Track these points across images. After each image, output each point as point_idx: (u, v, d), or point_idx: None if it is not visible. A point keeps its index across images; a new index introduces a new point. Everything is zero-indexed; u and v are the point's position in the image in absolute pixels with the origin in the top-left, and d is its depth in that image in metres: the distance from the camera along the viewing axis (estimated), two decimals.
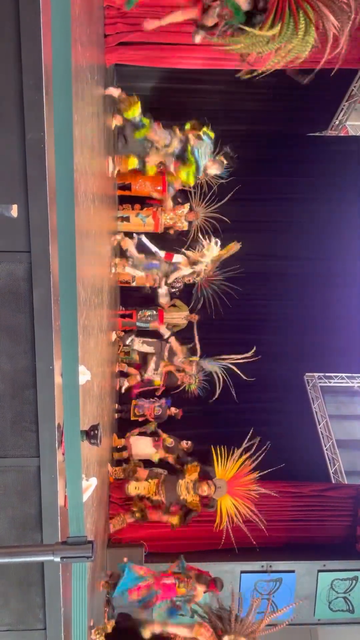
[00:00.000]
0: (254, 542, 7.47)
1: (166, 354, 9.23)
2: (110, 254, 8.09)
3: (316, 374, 11.87)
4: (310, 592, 8.98)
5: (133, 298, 10.35)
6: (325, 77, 7.11)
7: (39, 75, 2.64)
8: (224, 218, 9.99)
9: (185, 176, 7.96)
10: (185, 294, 10.00)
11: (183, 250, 9.49)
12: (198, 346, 9.34)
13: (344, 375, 11.90)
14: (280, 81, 8.48)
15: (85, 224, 4.75)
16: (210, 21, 5.22)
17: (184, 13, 5.83)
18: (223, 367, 9.19)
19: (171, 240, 9.89)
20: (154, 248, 9.03)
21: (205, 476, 7.52)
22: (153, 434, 8.91)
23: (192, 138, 7.78)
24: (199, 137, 7.83)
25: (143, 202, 9.84)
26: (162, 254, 9.11)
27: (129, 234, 9.03)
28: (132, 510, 7.79)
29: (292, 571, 8.91)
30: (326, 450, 11.01)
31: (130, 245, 8.82)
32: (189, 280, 9.66)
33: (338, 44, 4.95)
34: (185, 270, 9.21)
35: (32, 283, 2.86)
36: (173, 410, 9.32)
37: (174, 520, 7.56)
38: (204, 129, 7.94)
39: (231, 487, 7.45)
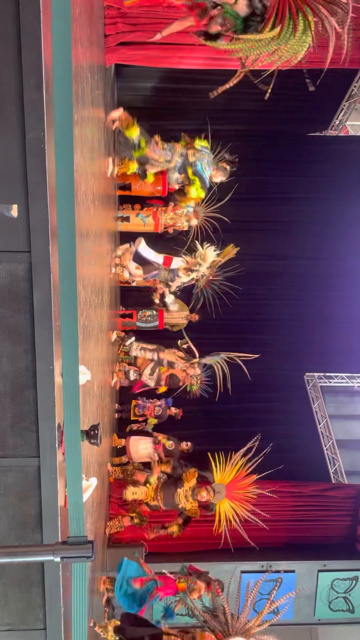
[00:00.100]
0: (252, 543, 7.47)
1: (166, 361, 9.20)
2: (111, 254, 8.09)
3: (316, 374, 11.87)
4: (310, 592, 8.99)
5: (133, 298, 10.36)
6: (326, 77, 7.12)
7: (39, 75, 2.64)
8: (224, 218, 9.99)
9: (195, 193, 8.12)
10: (186, 293, 10.00)
11: (182, 254, 9.46)
12: (194, 348, 9.32)
13: (344, 375, 11.90)
14: (281, 81, 8.47)
15: (85, 224, 4.75)
16: (213, 28, 5.22)
17: (181, 23, 5.84)
18: (223, 359, 9.17)
19: (171, 240, 9.90)
20: (152, 257, 9.03)
21: (204, 481, 7.53)
22: (152, 435, 8.89)
23: (191, 154, 7.86)
24: (197, 150, 7.91)
25: (143, 202, 9.84)
26: (160, 260, 9.09)
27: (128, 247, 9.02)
28: (130, 516, 7.79)
29: (292, 571, 8.91)
30: (326, 450, 11.01)
31: (129, 265, 8.86)
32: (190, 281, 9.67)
33: (340, 44, 4.95)
34: (185, 278, 9.20)
35: (32, 283, 2.86)
36: (173, 410, 9.32)
37: (174, 528, 7.58)
38: (197, 141, 8.01)
39: (230, 491, 7.46)
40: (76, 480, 2.16)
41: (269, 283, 11.19)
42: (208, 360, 9.21)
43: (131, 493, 7.57)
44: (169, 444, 8.56)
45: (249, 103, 10.01)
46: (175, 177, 7.99)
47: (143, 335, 10.04)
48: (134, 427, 9.00)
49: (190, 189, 8.08)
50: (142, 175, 7.96)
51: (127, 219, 9.29)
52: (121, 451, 8.89)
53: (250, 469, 7.32)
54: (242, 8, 4.99)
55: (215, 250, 9.22)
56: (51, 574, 3.25)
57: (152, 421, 8.98)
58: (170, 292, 9.31)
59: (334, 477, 10.72)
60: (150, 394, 9.55)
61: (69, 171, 1.98)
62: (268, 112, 10.37)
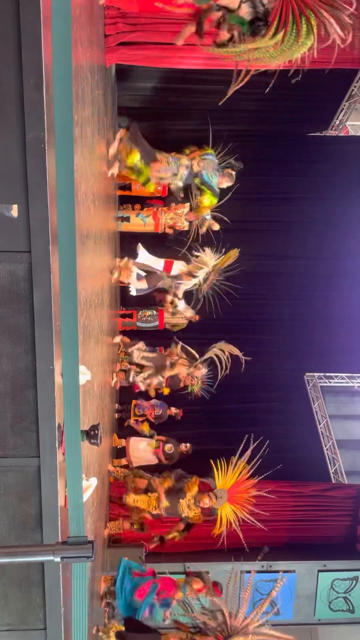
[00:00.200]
0: (245, 545, 7.49)
1: (168, 363, 9.17)
2: (112, 258, 8.09)
3: (316, 374, 11.87)
4: (310, 592, 8.99)
5: (133, 298, 10.36)
6: (326, 77, 7.12)
7: (39, 75, 2.64)
8: (224, 218, 9.99)
9: (208, 201, 8.18)
10: (186, 293, 10.00)
11: (181, 259, 9.44)
12: (193, 351, 9.29)
13: (344, 375, 11.90)
14: (281, 81, 8.48)
15: (85, 224, 4.75)
16: (222, 36, 5.23)
17: (190, 29, 5.80)
18: (220, 349, 9.15)
19: (172, 241, 9.90)
20: (153, 264, 9.02)
21: (206, 488, 7.55)
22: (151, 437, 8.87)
23: (196, 164, 7.89)
24: (202, 159, 7.95)
25: (143, 202, 9.84)
26: (161, 265, 9.07)
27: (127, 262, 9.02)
28: (130, 522, 7.80)
29: (293, 571, 8.91)
30: (326, 450, 11.01)
31: (133, 281, 8.88)
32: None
33: (345, 45, 4.96)
34: (188, 284, 9.18)
35: (32, 283, 2.86)
36: (173, 410, 9.31)
37: (175, 534, 7.59)
38: (201, 150, 8.04)
39: (231, 495, 7.48)
40: (76, 480, 2.16)
41: (269, 283, 11.19)
42: (208, 353, 9.17)
43: (132, 500, 7.58)
44: (168, 447, 8.55)
45: (249, 103, 10.01)
46: (179, 188, 8.05)
47: (143, 336, 10.04)
48: (131, 422, 8.96)
49: (202, 199, 8.16)
50: (144, 182, 8.03)
51: (127, 219, 9.29)
52: (121, 452, 8.89)
53: (251, 472, 7.33)
54: (245, 12, 5.00)
55: (216, 254, 9.19)
56: (51, 574, 3.25)
57: (146, 429, 8.90)
58: (180, 299, 9.30)
59: (334, 477, 10.72)
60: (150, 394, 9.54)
61: (69, 171, 1.99)
62: (268, 112, 10.37)
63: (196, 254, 9.18)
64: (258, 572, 8.63)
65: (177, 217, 9.55)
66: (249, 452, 7.26)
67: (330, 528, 9.46)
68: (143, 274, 9.07)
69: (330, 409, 11.63)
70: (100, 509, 6.84)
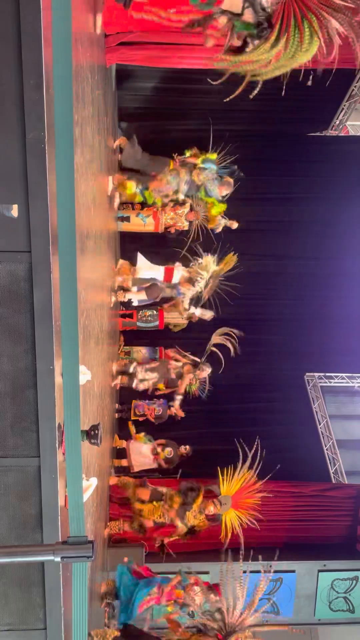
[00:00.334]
0: (241, 546, 7.51)
1: (173, 374, 9.16)
2: (111, 257, 8.09)
3: (316, 374, 11.87)
4: (310, 592, 8.99)
5: None
6: (326, 77, 7.11)
7: (39, 75, 2.64)
8: (224, 217, 9.99)
9: (217, 210, 8.28)
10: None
11: (180, 260, 9.43)
12: (193, 356, 9.27)
13: (344, 375, 11.90)
14: (281, 81, 8.48)
15: (85, 224, 4.75)
16: (236, 42, 5.23)
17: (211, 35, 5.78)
18: (222, 333, 9.14)
19: (171, 241, 9.89)
20: (152, 274, 9.02)
21: (210, 495, 7.58)
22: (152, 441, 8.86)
23: (196, 177, 7.94)
24: (201, 169, 8.01)
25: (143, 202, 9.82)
26: (161, 274, 9.05)
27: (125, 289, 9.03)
28: (130, 523, 7.81)
29: (293, 571, 8.91)
30: (326, 450, 11.01)
31: (133, 295, 8.90)
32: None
33: (348, 48, 4.96)
34: (189, 293, 9.16)
35: (32, 283, 2.86)
36: (173, 410, 9.31)
37: (181, 536, 7.63)
38: (203, 156, 8.08)
39: (236, 501, 7.51)
40: (76, 480, 2.16)
41: (269, 283, 11.18)
42: (214, 341, 9.14)
43: (138, 507, 7.61)
44: (167, 451, 8.55)
45: (249, 103, 10.00)
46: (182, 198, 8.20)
47: (143, 336, 10.03)
48: (131, 432, 8.92)
49: (211, 211, 8.24)
50: (146, 198, 8.16)
51: (127, 218, 9.27)
52: (121, 453, 8.88)
53: (254, 477, 7.36)
54: (249, 17, 5.01)
55: (214, 258, 9.15)
56: (51, 574, 3.25)
57: (141, 439, 8.84)
58: (191, 306, 9.27)
59: (334, 477, 10.72)
60: (151, 394, 9.54)
61: (69, 171, 1.99)
62: (268, 112, 10.36)
63: (196, 260, 9.16)
64: (258, 572, 8.62)
65: (177, 217, 9.55)
66: (251, 458, 7.28)
67: (331, 528, 9.46)
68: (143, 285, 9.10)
69: (330, 409, 11.63)
70: (100, 509, 6.84)
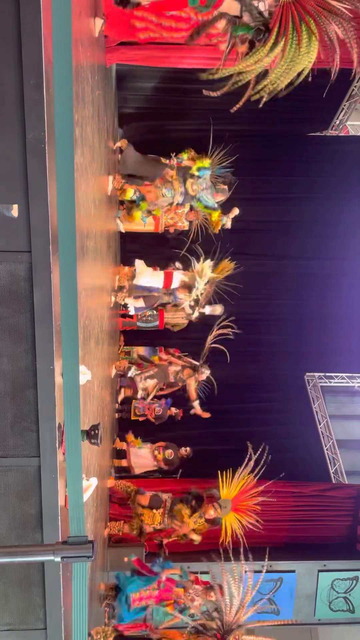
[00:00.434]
0: (240, 547, 7.53)
1: (172, 378, 9.15)
2: (111, 260, 8.09)
3: (316, 374, 11.87)
4: (310, 592, 8.99)
5: None
6: (326, 77, 7.09)
7: (39, 74, 2.64)
8: (225, 216, 9.98)
9: (216, 216, 8.53)
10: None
11: (178, 266, 9.42)
12: (194, 361, 9.26)
13: (344, 375, 11.90)
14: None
15: (85, 224, 4.75)
16: (243, 48, 5.23)
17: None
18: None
19: (171, 241, 9.89)
20: (152, 283, 9.02)
21: (211, 499, 7.60)
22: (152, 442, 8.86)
23: (190, 188, 8.00)
24: (195, 178, 8.08)
25: None
26: (161, 281, 9.04)
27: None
28: (130, 526, 7.82)
29: (293, 571, 8.91)
30: (327, 450, 11.01)
31: (130, 302, 8.91)
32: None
33: (348, 47, 4.96)
34: (187, 299, 9.16)
35: (32, 283, 2.86)
36: (173, 410, 9.30)
37: (180, 537, 7.67)
38: (199, 163, 8.12)
39: (235, 504, 7.53)
40: (76, 480, 2.16)
41: (269, 283, 11.19)
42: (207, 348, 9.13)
43: (139, 511, 7.63)
44: (168, 453, 8.55)
45: (249, 103, 10.00)
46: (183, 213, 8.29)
47: (143, 336, 10.04)
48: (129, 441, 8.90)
49: (211, 219, 8.48)
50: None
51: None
52: (122, 453, 8.88)
53: (254, 480, 7.38)
54: (248, 20, 5.02)
55: (210, 265, 9.12)
56: (51, 574, 3.25)
57: (138, 444, 8.82)
58: (197, 307, 9.26)
59: (334, 477, 10.72)
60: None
61: (69, 171, 1.99)
62: (268, 112, 10.34)
63: (194, 264, 9.13)
64: (258, 572, 8.62)
65: (177, 217, 9.55)
66: (252, 462, 7.29)
67: (331, 528, 9.47)
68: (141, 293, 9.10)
69: (331, 409, 11.63)
70: (100, 509, 6.84)
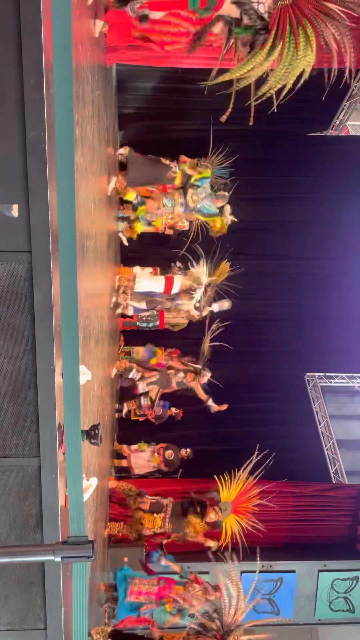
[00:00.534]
0: (238, 548, 7.55)
1: (175, 386, 9.15)
2: (111, 262, 8.10)
3: (317, 374, 11.87)
4: (310, 592, 8.99)
5: None
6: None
7: (39, 74, 2.64)
8: (224, 217, 9.98)
9: (220, 223, 8.51)
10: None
11: (179, 266, 9.41)
12: (196, 364, 9.25)
13: (344, 375, 11.90)
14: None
15: (85, 224, 4.75)
16: (243, 51, 5.25)
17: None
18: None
19: (172, 241, 9.89)
20: (152, 289, 9.03)
21: (211, 502, 7.61)
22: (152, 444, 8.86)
23: (190, 200, 8.04)
24: (195, 187, 8.12)
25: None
26: (162, 285, 9.03)
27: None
28: (129, 529, 7.83)
29: (293, 571, 8.91)
30: (327, 450, 11.01)
31: (132, 303, 8.93)
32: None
33: (342, 51, 4.98)
34: (189, 304, 9.15)
35: (32, 283, 2.86)
36: (173, 410, 9.30)
37: (179, 538, 7.69)
38: (198, 175, 8.15)
39: (235, 507, 7.54)
40: (76, 480, 2.16)
41: (269, 283, 11.18)
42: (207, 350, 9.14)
43: (139, 516, 7.64)
44: (168, 454, 8.55)
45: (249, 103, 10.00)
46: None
47: (143, 336, 10.02)
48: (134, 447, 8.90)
49: (214, 226, 8.53)
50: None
51: (127, 218, 9.27)
52: (121, 454, 8.89)
53: (253, 482, 7.39)
54: (248, 21, 5.02)
55: (207, 269, 9.10)
56: (51, 574, 3.25)
57: (144, 447, 8.84)
58: (203, 307, 9.26)
59: (334, 477, 10.71)
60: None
61: (69, 171, 1.99)
62: (268, 112, 10.36)
63: (192, 267, 9.12)
64: (258, 572, 8.63)
65: (177, 217, 9.55)
66: (252, 464, 7.30)
67: (331, 528, 9.46)
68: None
69: (331, 409, 11.62)
70: (100, 509, 6.84)
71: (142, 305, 9.09)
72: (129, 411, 9.26)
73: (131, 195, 8.14)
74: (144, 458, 8.63)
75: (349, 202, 11.12)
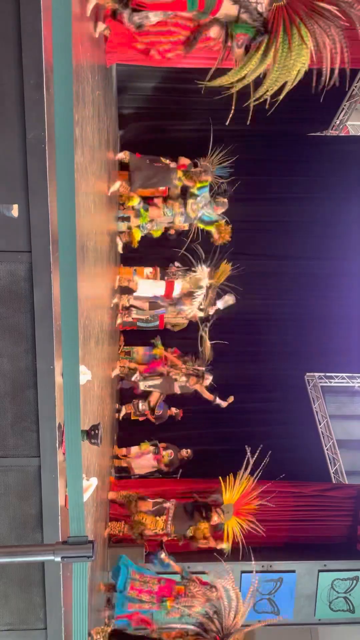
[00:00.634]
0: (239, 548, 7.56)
1: (178, 390, 9.16)
2: (112, 263, 8.10)
3: (317, 374, 11.87)
4: (310, 592, 8.99)
5: None
6: (326, 78, 7.10)
7: (39, 74, 2.64)
8: (224, 218, 9.98)
9: (223, 229, 8.58)
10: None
11: (178, 266, 9.41)
12: (198, 368, 9.25)
13: (344, 375, 11.90)
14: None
15: (85, 224, 4.75)
16: (237, 52, 5.25)
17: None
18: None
19: (172, 241, 9.89)
20: (153, 293, 9.03)
21: (214, 504, 7.62)
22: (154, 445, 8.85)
23: (190, 210, 8.08)
24: (194, 196, 8.16)
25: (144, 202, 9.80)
26: (162, 290, 9.03)
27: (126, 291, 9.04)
28: (131, 529, 7.84)
29: (293, 571, 8.91)
30: (327, 450, 11.01)
31: (134, 306, 8.96)
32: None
33: (338, 51, 4.98)
34: (192, 307, 9.14)
35: (32, 283, 2.86)
36: (174, 410, 9.31)
37: (179, 538, 7.71)
38: (199, 184, 8.19)
39: (237, 509, 7.55)
40: (76, 480, 2.16)
41: (269, 283, 11.18)
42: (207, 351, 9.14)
43: (140, 518, 7.64)
44: (168, 454, 8.55)
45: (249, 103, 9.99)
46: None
47: (143, 336, 10.03)
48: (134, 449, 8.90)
49: (216, 233, 8.60)
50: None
51: (127, 219, 9.27)
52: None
53: (254, 483, 7.39)
54: (246, 18, 5.02)
55: (207, 271, 9.09)
56: (51, 574, 3.25)
57: (145, 447, 8.83)
58: (207, 308, 9.26)
59: (334, 477, 10.71)
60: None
61: (69, 171, 1.99)
62: (268, 112, 10.36)
63: (192, 269, 9.12)
64: (258, 572, 8.63)
65: (177, 226, 9.55)
66: (252, 465, 7.30)
67: (331, 528, 9.46)
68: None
69: (331, 409, 11.63)
70: (100, 509, 6.84)
71: (145, 306, 9.10)
72: (127, 413, 9.26)
73: (135, 201, 8.18)
74: (148, 458, 8.63)
75: (349, 202, 11.12)
